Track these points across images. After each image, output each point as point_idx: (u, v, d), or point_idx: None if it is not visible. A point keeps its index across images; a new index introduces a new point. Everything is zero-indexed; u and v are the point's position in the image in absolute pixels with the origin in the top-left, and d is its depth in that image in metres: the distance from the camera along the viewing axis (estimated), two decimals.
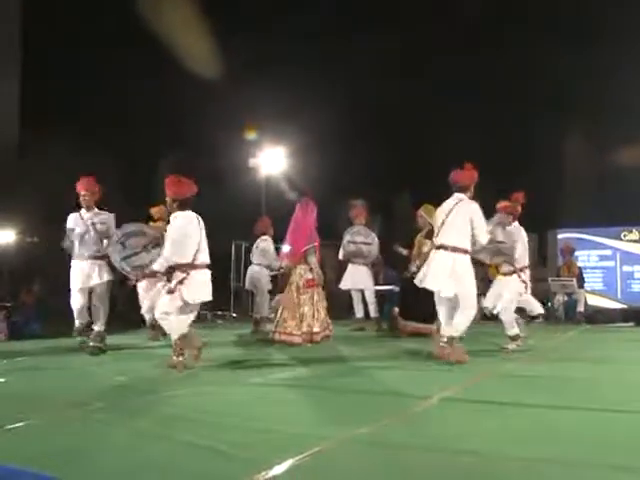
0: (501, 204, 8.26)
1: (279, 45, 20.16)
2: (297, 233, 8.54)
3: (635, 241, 15.90)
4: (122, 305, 11.37)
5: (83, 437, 3.44)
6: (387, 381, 5.38)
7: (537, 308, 8.68)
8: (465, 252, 6.43)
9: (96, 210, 7.75)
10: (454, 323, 6.35)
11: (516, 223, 8.22)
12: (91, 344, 7.46)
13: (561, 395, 4.66)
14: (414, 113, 19.55)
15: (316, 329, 8.18)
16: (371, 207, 10.53)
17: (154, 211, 9.51)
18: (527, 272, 8.15)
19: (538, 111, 19.19)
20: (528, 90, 19.22)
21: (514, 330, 8.00)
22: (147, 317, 9.30)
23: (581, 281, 13.70)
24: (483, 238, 6.56)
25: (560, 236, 16.45)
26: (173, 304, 6.01)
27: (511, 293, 8.06)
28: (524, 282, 8.09)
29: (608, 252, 16.14)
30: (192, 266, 6.06)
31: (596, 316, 14.35)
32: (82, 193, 7.66)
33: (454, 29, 19.70)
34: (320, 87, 18.79)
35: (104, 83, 19.08)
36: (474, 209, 6.56)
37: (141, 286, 9.16)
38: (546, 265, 17.08)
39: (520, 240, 7.99)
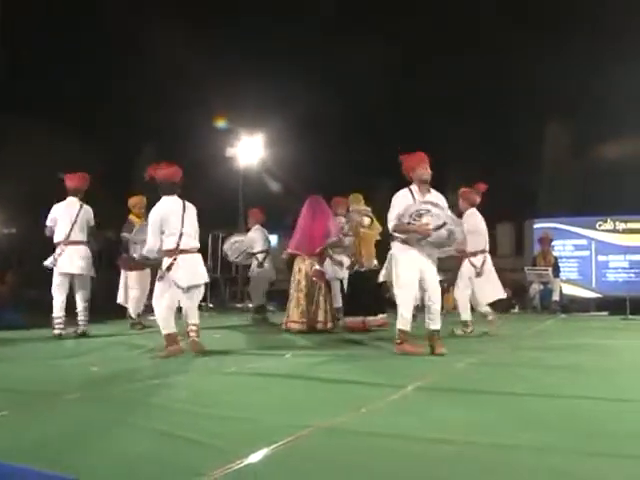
0: (461, 190, 8.49)
1: (259, 33, 20.04)
2: (315, 228, 9.08)
3: (610, 231, 16.09)
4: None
5: (58, 428, 3.41)
6: (364, 371, 5.40)
7: (493, 294, 8.57)
8: None
9: None
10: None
11: (473, 209, 8.38)
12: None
13: (537, 383, 4.71)
14: (394, 102, 19.56)
15: (320, 319, 8.83)
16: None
17: (132, 202, 9.59)
18: (481, 256, 8.27)
19: (517, 106, 19.26)
20: (508, 86, 19.27)
21: (465, 315, 8.23)
22: (132, 308, 9.46)
23: (556, 270, 13.82)
24: None
25: (536, 226, 16.60)
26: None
27: (461, 277, 8.34)
28: (474, 266, 8.29)
29: (583, 242, 16.31)
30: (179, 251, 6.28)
31: (571, 305, 14.54)
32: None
33: (439, 26, 19.72)
34: (300, 75, 18.72)
35: (82, 72, 18.85)
36: None
37: (131, 276, 9.33)
38: (523, 255, 17.24)
39: (470, 225, 8.12)
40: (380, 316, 8.95)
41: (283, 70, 19.07)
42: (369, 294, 8.92)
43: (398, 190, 6.48)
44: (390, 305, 9.42)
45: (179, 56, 18.46)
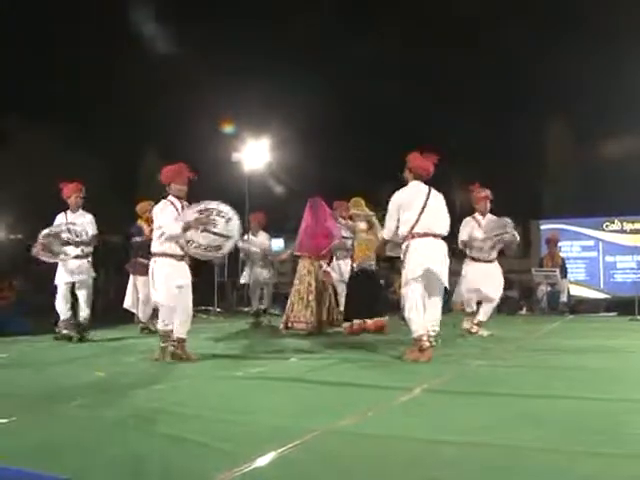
0: (482, 194, 8.47)
1: (261, 35, 20.03)
2: (317, 229, 9.22)
3: (617, 231, 16.03)
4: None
5: (65, 432, 3.42)
6: (370, 373, 5.39)
7: None
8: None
9: (79, 212, 8.52)
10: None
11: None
12: (72, 333, 8.26)
13: (544, 385, 4.69)
14: (397, 103, 19.51)
15: (325, 318, 9.12)
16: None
17: (140, 207, 9.61)
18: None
19: (522, 106, 19.25)
20: (512, 86, 19.26)
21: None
22: (141, 312, 9.48)
23: (564, 271, 13.76)
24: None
25: (543, 227, 16.56)
26: None
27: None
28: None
29: (590, 242, 16.25)
30: None
31: (579, 306, 14.46)
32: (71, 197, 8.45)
33: (440, 27, 19.72)
34: (303, 79, 18.71)
35: (84, 77, 18.88)
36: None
37: (140, 281, 9.31)
38: (529, 256, 17.17)
39: None
40: (377, 319, 8.91)
41: (288, 72, 19.05)
42: (366, 296, 8.89)
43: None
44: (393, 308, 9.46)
45: (182, 59, 18.48)
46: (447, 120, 18.46)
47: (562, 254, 14.45)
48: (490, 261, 8.48)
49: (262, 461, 2.78)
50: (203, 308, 13.77)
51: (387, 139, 19.04)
